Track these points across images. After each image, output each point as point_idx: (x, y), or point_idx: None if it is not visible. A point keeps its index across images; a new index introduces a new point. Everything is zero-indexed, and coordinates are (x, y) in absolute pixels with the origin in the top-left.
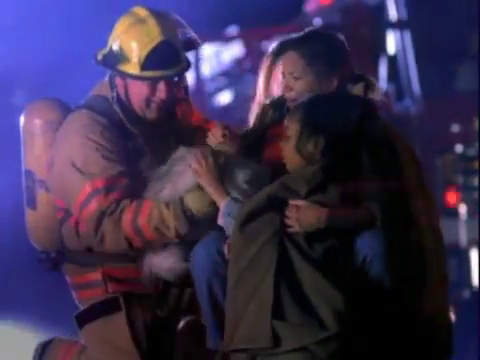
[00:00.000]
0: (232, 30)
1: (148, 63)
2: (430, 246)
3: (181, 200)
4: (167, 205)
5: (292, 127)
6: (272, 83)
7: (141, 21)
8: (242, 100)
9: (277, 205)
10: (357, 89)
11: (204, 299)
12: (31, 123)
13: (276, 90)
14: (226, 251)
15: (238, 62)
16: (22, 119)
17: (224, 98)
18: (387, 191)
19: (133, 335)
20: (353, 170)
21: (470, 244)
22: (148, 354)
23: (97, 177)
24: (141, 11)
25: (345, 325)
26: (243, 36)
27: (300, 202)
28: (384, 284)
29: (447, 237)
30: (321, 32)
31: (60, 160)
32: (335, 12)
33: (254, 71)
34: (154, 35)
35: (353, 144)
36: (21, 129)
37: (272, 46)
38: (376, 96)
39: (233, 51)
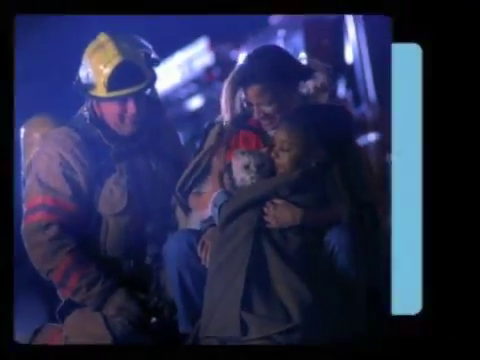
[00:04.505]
0: (202, 42)
1: (112, 84)
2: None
3: None
4: None
5: (292, 137)
6: (235, 104)
7: (101, 46)
8: (211, 105)
9: (258, 204)
10: (322, 96)
11: (176, 289)
12: (30, 136)
13: (238, 108)
14: (199, 248)
15: (208, 70)
16: (22, 132)
17: (194, 103)
18: (354, 197)
19: (106, 321)
20: (326, 175)
21: None
22: (121, 339)
23: (49, 193)
24: (102, 37)
25: (309, 317)
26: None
27: (278, 201)
28: (350, 276)
29: None
30: (272, 53)
31: (32, 167)
32: (299, 25)
33: (222, 79)
34: (111, 57)
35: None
36: (21, 141)
37: (231, 74)
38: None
39: (203, 60)
